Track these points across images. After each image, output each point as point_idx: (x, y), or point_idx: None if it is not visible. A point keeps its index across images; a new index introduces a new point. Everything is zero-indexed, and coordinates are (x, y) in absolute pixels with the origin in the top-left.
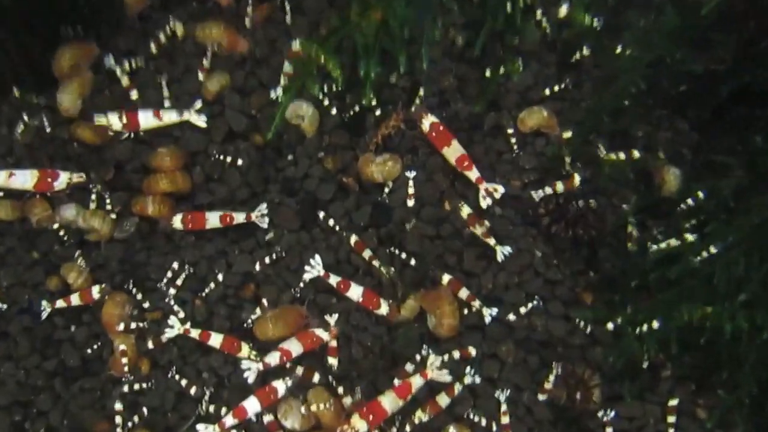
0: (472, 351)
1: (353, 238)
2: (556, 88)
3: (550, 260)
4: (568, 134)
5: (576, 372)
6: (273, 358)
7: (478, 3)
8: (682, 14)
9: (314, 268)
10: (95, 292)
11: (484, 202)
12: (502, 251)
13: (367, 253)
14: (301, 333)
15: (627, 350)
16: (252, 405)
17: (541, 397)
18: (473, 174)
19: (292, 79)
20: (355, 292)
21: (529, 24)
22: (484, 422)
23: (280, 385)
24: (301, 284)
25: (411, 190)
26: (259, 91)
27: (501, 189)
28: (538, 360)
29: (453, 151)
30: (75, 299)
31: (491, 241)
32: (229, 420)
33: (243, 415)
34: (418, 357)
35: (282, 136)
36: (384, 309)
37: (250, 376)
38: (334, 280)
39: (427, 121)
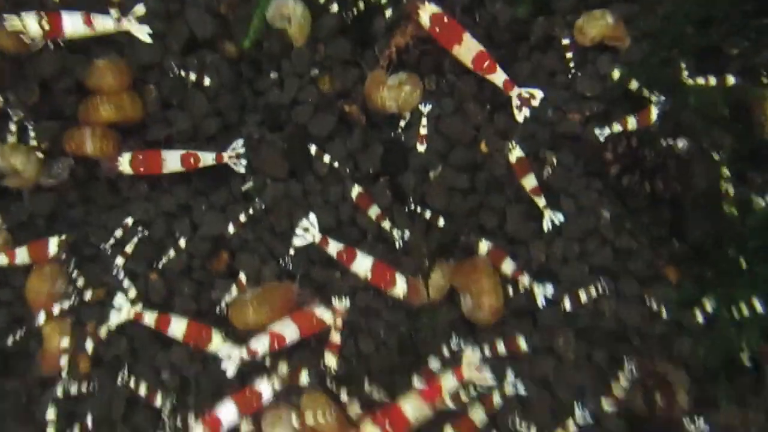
0: (522, 343)
1: (355, 190)
2: None
3: (622, 223)
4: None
5: (656, 370)
6: (261, 344)
7: None
8: None
9: (308, 232)
10: (52, 246)
11: (520, 115)
12: (553, 217)
13: (374, 211)
14: (297, 313)
15: (722, 341)
16: (228, 412)
17: (610, 404)
18: (498, 77)
19: None
20: (363, 264)
21: None
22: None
23: (265, 387)
24: (291, 252)
25: (423, 130)
26: None
27: (539, 94)
28: (607, 355)
29: (467, 49)
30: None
31: (540, 202)
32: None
33: (216, 425)
34: (446, 351)
35: (262, 45)
36: (400, 288)
37: (230, 368)
38: (334, 247)
39: (425, 12)
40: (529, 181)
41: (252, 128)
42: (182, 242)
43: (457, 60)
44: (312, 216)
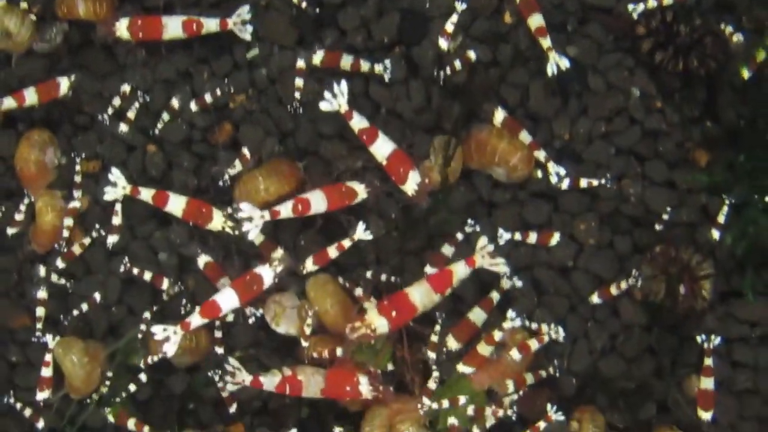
0: (556, 237)
1: (317, 55)
2: None
3: (652, 103)
4: None
5: (680, 257)
6: (285, 208)
7: None
8: None
9: (336, 99)
10: (63, 85)
11: None
12: (558, 61)
13: (346, 62)
14: (328, 186)
15: (751, 229)
16: (227, 299)
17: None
18: None
19: None
20: (383, 149)
21: None
22: (549, 329)
23: (266, 272)
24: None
25: (450, 27)
26: None
27: None
28: (630, 243)
29: None
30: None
31: (545, 43)
32: (196, 319)
33: (215, 312)
34: (460, 235)
35: None
36: (410, 186)
37: (252, 231)
38: (358, 122)
39: None
40: (535, 20)
41: None
42: (182, 111)
43: None
44: (344, 84)
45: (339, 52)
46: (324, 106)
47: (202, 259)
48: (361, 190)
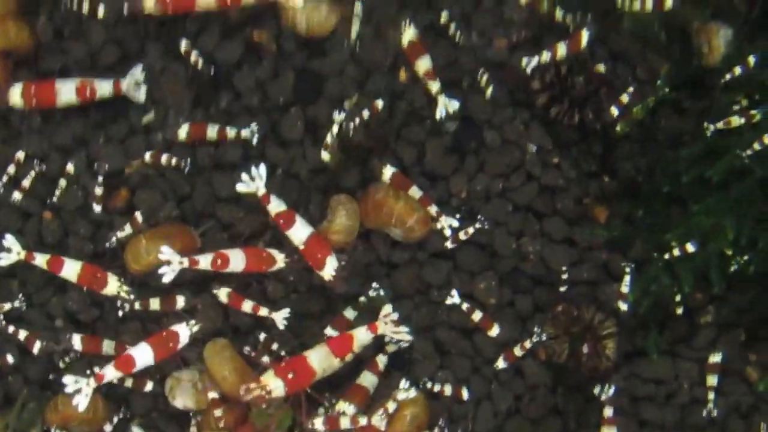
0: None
1: (183, 129)
2: None
3: (549, 157)
4: None
5: (582, 316)
6: (205, 259)
7: None
8: None
9: (253, 181)
10: None
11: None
12: (447, 105)
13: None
14: (249, 246)
15: (653, 286)
16: (142, 354)
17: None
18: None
19: None
20: (300, 233)
21: None
22: (450, 391)
23: (183, 331)
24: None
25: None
26: None
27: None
28: (531, 302)
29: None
30: None
31: (434, 87)
32: (110, 371)
33: (129, 366)
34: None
35: None
36: (328, 272)
37: (168, 274)
38: (275, 207)
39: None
40: (424, 64)
41: (154, 56)
42: (78, 177)
43: None
44: (262, 167)
45: (204, 123)
46: (240, 188)
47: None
48: (280, 260)
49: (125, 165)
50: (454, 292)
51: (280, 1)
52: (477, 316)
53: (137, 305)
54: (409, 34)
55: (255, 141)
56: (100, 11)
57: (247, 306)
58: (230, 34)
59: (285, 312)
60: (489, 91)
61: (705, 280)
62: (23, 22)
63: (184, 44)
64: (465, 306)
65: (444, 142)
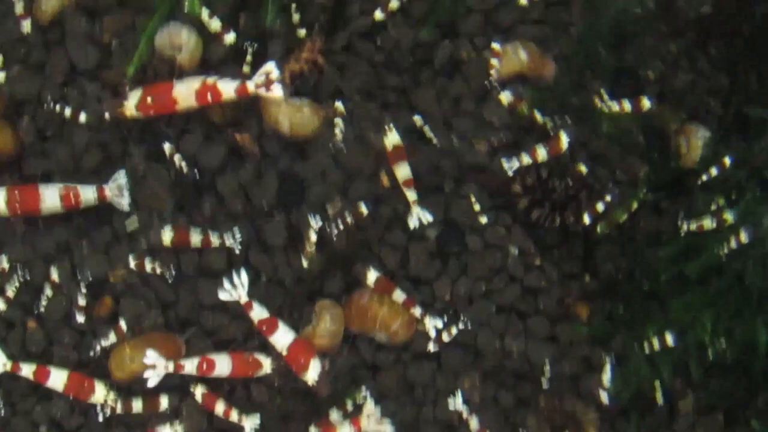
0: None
1: (167, 236)
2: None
3: (531, 260)
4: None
5: (565, 407)
6: (191, 364)
7: None
8: None
9: (235, 289)
10: None
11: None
12: (421, 216)
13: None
14: (235, 352)
15: (634, 377)
16: None
17: None
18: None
19: None
20: (283, 339)
21: None
22: None
23: None
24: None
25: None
26: (116, 10)
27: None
28: (513, 398)
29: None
30: None
31: (411, 196)
32: None
33: None
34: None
35: (146, 73)
36: (311, 376)
37: (153, 379)
38: (257, 314)
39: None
40: (402, 171)
41: (137, 160)
42: (63, 286)
43: None
44: (244, 275)
45: (187, 228)
46: (222, 296)
47: None
48: (266, 365)
49: (109, 272)
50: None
51: (260, 95)
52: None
53: (119, 408)
54: (390, 138)
55: (238, 248)
56: (82, 117)
57: (220, 408)
58: (213, 137)
59: (256, 419)
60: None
61: (684, 367)
62: (6, 125)
63: (167, 147)
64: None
65: (427, 247)
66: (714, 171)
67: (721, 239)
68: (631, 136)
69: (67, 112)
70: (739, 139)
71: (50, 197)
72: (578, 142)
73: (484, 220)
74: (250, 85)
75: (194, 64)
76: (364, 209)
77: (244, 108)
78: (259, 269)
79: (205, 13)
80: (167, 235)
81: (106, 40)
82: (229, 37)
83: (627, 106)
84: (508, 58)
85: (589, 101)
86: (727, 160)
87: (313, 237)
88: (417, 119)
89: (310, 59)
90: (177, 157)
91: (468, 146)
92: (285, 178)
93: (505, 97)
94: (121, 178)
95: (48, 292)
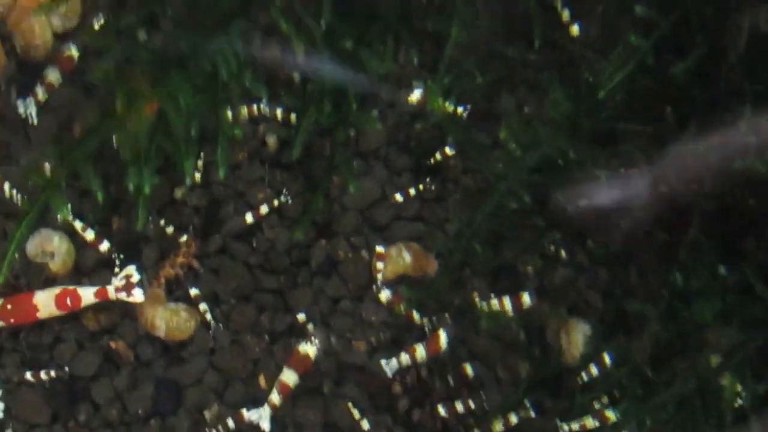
0: None
1: None
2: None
3: None
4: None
5: None
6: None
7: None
8: (576, 98)
9: None
10: None
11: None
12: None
13: None
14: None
15: None
16: None
17: None
18: None
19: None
20: None
21: (368, 115)
22: None
23: None
24: None
25: None
26: None
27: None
28: None
29: None
30: None
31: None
32: None
33: None
34: None
35: (19, 279)
36: None
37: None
38: None
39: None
40: (289, 377)
41: (11, 370)
42: None
43: None
44: None
45: None
46: None
47: None
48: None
49: None
50: None
51: (120, 300)
52: None
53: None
54: (309, 347)
55: None
56: None
57: None
58: (86, 346)
59: None
60: None
61: None
62: None
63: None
64: None
65: None
66: (594, 370)
67: None
68: (511, 332)
69: None
70: (621, 334)
71: None
72: (458, 340)
73: (366, 426)
74: (110, 290)
75: (67, 270)
76: (245, 415)
77: (119, 313)
78: None
79: (78, 225)
80: None
81: None
82: (104, 246)
83: (507, 302)
84: (392, 260)
85: (469, 298)
86: (606, 358)
87: None
88: (301, 317)
89: (185, 263)
90: (51, 367)
91: (347, 345)
92: (160, 384)
93: (384, 295)
94: None
95: None
